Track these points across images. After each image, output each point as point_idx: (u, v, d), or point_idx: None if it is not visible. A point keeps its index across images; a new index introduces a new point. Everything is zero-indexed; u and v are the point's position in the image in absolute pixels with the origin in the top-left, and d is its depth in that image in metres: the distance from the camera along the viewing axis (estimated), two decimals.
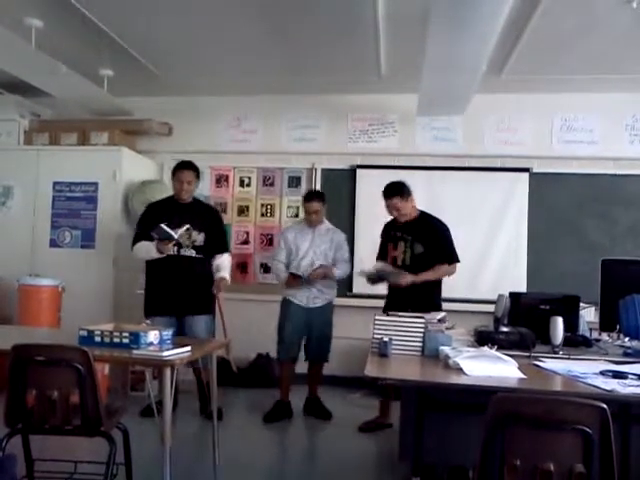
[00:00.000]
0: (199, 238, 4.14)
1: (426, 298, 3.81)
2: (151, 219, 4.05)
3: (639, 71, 4.79)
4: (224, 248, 4.36)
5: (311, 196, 4.40)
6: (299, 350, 4.37)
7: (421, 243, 3.93)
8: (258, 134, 5.90)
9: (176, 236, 3.82)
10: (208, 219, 4.26)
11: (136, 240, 4.17)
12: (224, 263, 4.28)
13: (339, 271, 4.34)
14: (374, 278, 4.03)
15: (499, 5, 3.18)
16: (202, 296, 4.18)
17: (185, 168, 4.20)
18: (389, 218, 4.16)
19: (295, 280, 4.28)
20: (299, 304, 4.33)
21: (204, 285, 4.18)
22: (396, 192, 3.96)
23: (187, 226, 3.94)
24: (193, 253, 4.14)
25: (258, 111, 5.88)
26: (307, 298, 4.32)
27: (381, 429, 4.10)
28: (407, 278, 3.83)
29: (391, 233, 4.11)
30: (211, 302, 4.30)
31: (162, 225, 3.80)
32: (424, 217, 4.06)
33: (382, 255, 4.16)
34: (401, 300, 3.78)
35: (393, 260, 4.02)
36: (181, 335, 3.95)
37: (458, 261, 3.98)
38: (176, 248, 4.06)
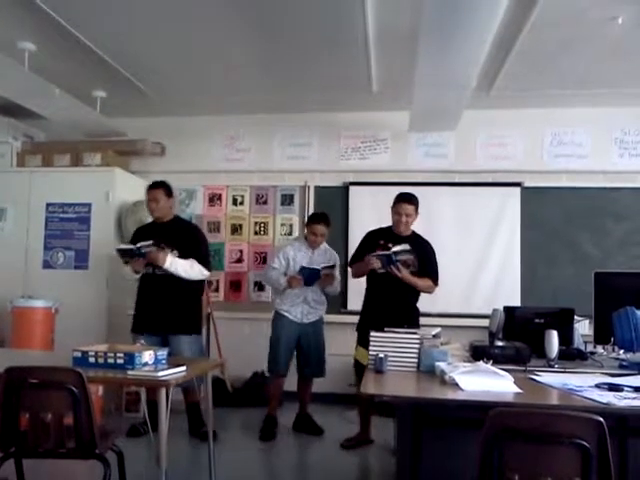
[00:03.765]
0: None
1: (405, 314, 3.84)
2: (134, 242, 4.12)
3: (627, 85, 4.85)
4: (201, 263, 4.16)
5: (319, 219, 4.42)
6: (289, 366, 4.39)
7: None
8: (251, 153, 5.93)
9: (134, 247, 3.91)
10: (183, 237, 4.18)
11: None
12: (187, 262, 4.08)
13: (335, 284, 4.42)
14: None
15: (488, 23, 3.23)
16: (182, 316, 4.13)
17: (152, 187, 4.23)
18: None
19: (296, 280, 4.27)
20: (293, 319, 4.36)
21: (184, 304, 4.15)
22: (415, 201, 4.02)
23: (150, 242, 3.95)
24: (158, 271, 4.07)
25: (251, 130, 5.91)
26: (301, 313, 4.36)
27: (362, 446, 4.09)
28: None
29: (380, 242, 4.05)
30: (195, 322, 4.26)
31: (120, 245, 4.02)
32: (418, 236, 4.11)
33: (360, 259, 4.11)
34: (380, 316, 3.79)
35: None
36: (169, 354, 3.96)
37: (437, 284, 4.06)
38: (151, 268, 4.07)
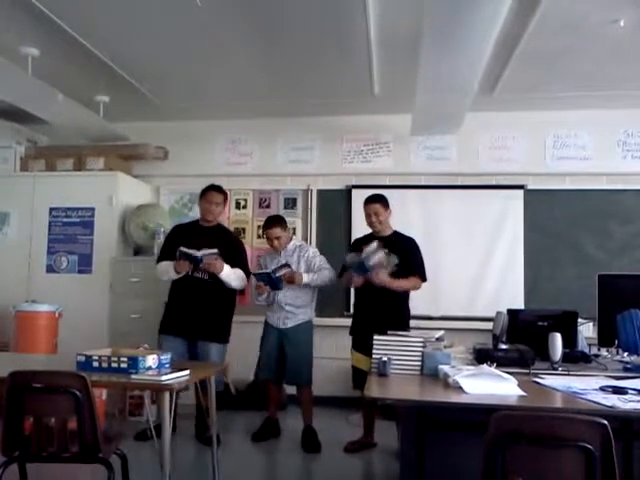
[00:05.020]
0: None
1: (395, 316, 3.87)
2: (172, 241, 4.16)
3: (629, 87, 4.85)
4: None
5: (270, 222, 4.32)
6: (279, 371, 4.29)
7: (398, 255, 3.95)
8: (253, 157, 5.94)
9: (199, 254, 3.87)
10: (227, 244, 4.19)
11: (158, 260, 4.25)
12: (238, 272, 4.14)
13: (312, 276, 4.19)
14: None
15: (490, 26, 3.23)
16: (215, 322, 4.15)
17: (214, 190, 4.25)
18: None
19: (259, 287, 4.17)
20: (274, 326, 4.31)
21: (218, 311, 4.17)
22: (380, 199, 4.10)
23: (215, 250, 3.93)
24: (206, 276, 4.08)
25: (253, 134, 5.92)
26: (278, 319, 4.28)
27: (366, 449, 4.10)
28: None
29: (363, 247, 4.05)
30: (226, 331, 4.26)
31: (181, 248, 3.91)
32: (398, 234, 4.15)
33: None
34: (369, 319, 3.87)
35: None
36: (194, 359, 4.01)
37: (426, 280, 4.05)
38: (190, 271, 4.05)
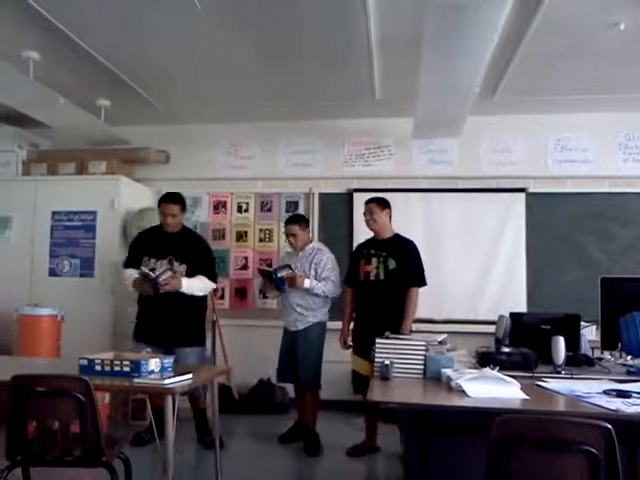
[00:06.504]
0: (180, 269, 4.04)
1: (396, 320, 3.87)
2: (137, 247, 4.16)
3: (629, 91, 4.85)
4: (209, 277, 4.18)
5: (289, 219, 4.42)
6: (294, 374, 4.26)
7: (394, 259, 4.01)
8: (255, 160, 5.94)
9: (153, 275, 3.80)
10: (192, 250, 4.13)
11: (125, 266, 4.22)
12: (197, 280, 4.05)
13: (314, 283, 4.16)
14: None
15: (490, 30, 3.24)
16: (189, 328, 4.11)
17: (169, 201, 4.10)
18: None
19: (266, 286, 4.27)
20: (287, 328, 4.33)
21: (191, 317, 4.12)
22: (375, 200, 4.21)
23: (168, 273, 3.87)
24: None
25: (255, 138, 5.92)
26: (289, 322, 4.29)
27: (369, 453, 4.09)
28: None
29: (363, 251, 4.18)
30: (200, 334, 4.23)
31: (142, 268, 3.88)
32: (399, 237, 4.18)
33: (352, 274, 4.22)
34: (370, 323, 3.88)
35: (365, 275, 4.07)
36: None
37: (425, 284, 4.06)
38: (152, 290, 3.91)
